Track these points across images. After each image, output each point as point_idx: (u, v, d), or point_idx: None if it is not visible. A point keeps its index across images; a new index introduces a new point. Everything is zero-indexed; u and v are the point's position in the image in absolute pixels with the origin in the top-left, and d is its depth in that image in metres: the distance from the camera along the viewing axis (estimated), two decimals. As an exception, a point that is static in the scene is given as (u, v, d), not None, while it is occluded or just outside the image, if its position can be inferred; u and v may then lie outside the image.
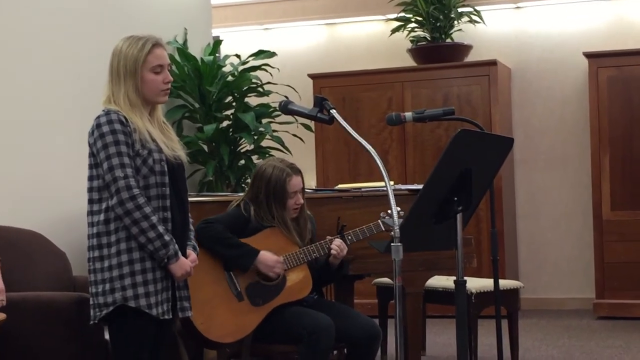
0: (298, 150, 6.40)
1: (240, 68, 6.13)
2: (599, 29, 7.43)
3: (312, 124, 6.21)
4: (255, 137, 6.00)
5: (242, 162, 6.11)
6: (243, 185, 6.09)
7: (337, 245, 4.02)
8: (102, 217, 3.26)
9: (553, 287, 7.54)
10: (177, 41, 6.01)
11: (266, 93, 6.18)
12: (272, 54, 6.25)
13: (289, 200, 4.04)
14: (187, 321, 3.76)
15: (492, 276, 4.14)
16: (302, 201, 4.08)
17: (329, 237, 4.07)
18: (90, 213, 3.31)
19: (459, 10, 7.42)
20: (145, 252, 3.25)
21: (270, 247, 3.99)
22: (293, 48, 8.15)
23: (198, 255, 3.50)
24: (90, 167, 3.31)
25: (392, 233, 2.82)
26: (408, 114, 3.78)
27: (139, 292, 3.24)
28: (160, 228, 3.24)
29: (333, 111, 3.18)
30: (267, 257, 3.94)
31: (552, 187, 7.57)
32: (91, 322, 3.33)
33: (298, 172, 4.09)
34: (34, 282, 4.16)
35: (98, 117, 3.30)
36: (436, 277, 4.72)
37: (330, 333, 3.87)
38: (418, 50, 7.47)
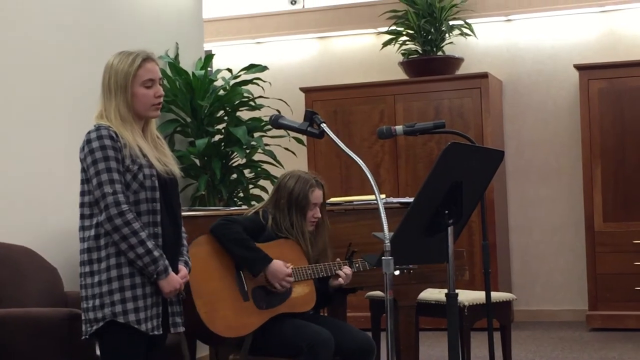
0: (290, 164, 6.38)
1: (232, 82, 6.13)
2: (589, 41, 7.46)
3: (304, 137, 6.22)
4: (247, 151, 6.00)
5: (234, 176, 6.11)
6: (235, 199, 6.09)
7: (345, 273, 4.08)
8: (92, 232, 3.26)
9: (546, 299, 7.54)
10: (168, 55, 6.01)
11: (258, 107, 6.19)
12: (263, 68, 6.26)
13: (309, 211, 4.08)
14: (192, 310, 3.77)
15: (485, 288, 4.14)
16: (319, 215, 4.13)
17: (338, 260, 4.11)
18: (82, 228, 3.30)
19: (450, 23, 7.44)
20: (135, 267, 3.25)
21: (281, 256, 4.00)
22: (285, 62, 8.17)
23: (190, 271, 3.50)
24: (82, 182, 3.31)
25: (384, 246, 2.82)
26: (399, 128, 3.79)
27: (128, 308, 3.23)
28: (150, 244, 3.23)
29: (323, 125, 3.19)
30: (278, 268, 3.94)
31: (544, 199, 7.58)
32: (83, 337, 3.32)
33: (321, 186, 4.16)
34: (24, 298, 4.14)
35: (88, 132, 3.30)
36: (429, 290, 4.72)
37: (329, 346, 3.88)
38: (409, 64, 7.49)
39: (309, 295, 4.08)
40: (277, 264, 3.95)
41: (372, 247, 4.07)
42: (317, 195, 4.11)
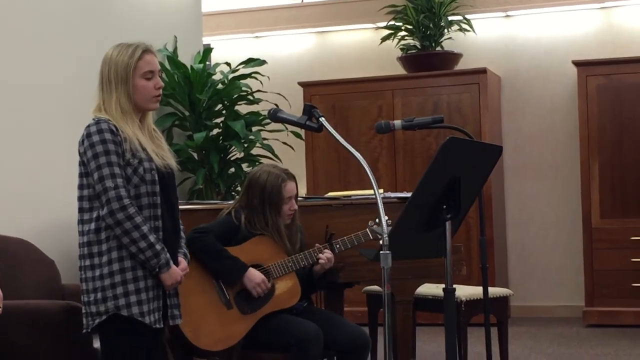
0: (288, 158, 6.40)
1: (231, 76, 6.13)
2: (588, 37, 7.46)
3: (302, 131, 6.22)
4: (245, 145, 6.00)
5: (232, 170, 6.12)
6: (233, 193, 6.09)
7: (327, 257, 4.04)
8: (92, 225, 3.25)
9: (543, 295, 7.55)
10: (167, 49, 6.01)
11: (256, 101, 6.19)
12: (262, 62, 6.26)
13: (283, 205, 4.05)
14: (176, 329, 3.76)
15: (482, 284, 4.14)
16: (296, 207, 4.09)
17: (317, 245, 4.07)
18: (81, 222, 3.30)
19: (449, 18, 7.44)
20: (137, 260, 3.25)
21: (259, 255, 3.98)
22: (283, 56, 8.16)
23: (189, 262, 3.50)
24: (81, 175, 3.31)
25: (381, 241, 2.82)
26: (397, 122, 3.79)
27: (131, 301, 3.23)
28: (152, 237, 3.23)
29: (322, 119, 3.19)
30: (254, 275, 3.93)
31: (541, 194, 7.58)
32: (84, 331, 3.32)
33: (292, 177, 4.11)
34: (22, 290, 4.14)
35: (88, 126, 3.30)
36: (426, 284, 4.72)
37: (318, 342, 3.87)
38: (408, 59, 7.49)
39: (293, 289, 4.05)
40: (253, 272, 3.93)
41: (370, 242, 4.08)
42: (289, 188, 4.06)
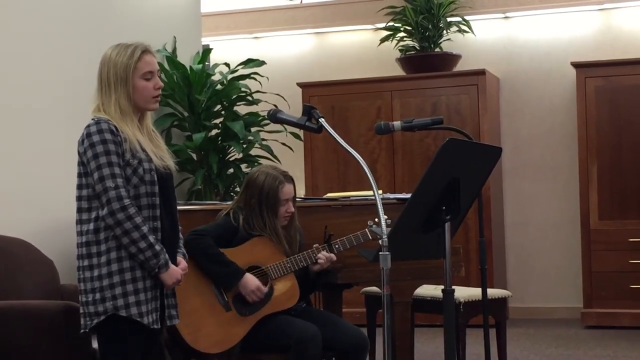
0: (287, 159, 6.40)
1: (230, 77, 6.14)
2: (587, 39, 7.47)
3: (301, 132, 6.23)
4: (244, 146, 6.01)
5: (231, 170, 6.12)
6: (232, 193, 6.09)
7: (326, 256, 4.04)
8: (91, 226, 3.25)
9: (541, 296, 7.55)
10: (166, 49, 6.01)
11: (255, 102, 6.19)
12: (261, 63, 6.26)
13: (280, 207, 4.04)
14: (174, 331, 3.75)
15: (481, 285, 4.14)
16: (292, 209, 4.09)
17: (316, 246, 4.07)
18: (80, 222, 3.29)
19: (448, 20, 7.44)
20: (136, 261, 3.25)
21: (257, 256, 3.98)
22: (282, 57, 8.17)
23: (187, 262, 3.50)
24: (80, 175, 3.30)
25: (381, 242, 2.82)
26: (396, 123, 3.79)
27: (129, 301, 3.23)
28: (151, 238, 3.23)
29: (321, 120, 3.20)
30: (250, 282, 3.92)
31: (540, 196, 7.59)
32: (82, 331, 3.32)
33: (290, 180, 4.10)
34: (21, 290, 4.14)
35: (88, 126, 3.29)
36: (424, 286, 4.72)
37: (317, 342, 3.87)
38: (407, 60, 7.49)
39: (291, 290, 4.04)
40: (249, 278, 3.92)
41: (369, 243, 4.08)
42: (287, 190, 4.06)
